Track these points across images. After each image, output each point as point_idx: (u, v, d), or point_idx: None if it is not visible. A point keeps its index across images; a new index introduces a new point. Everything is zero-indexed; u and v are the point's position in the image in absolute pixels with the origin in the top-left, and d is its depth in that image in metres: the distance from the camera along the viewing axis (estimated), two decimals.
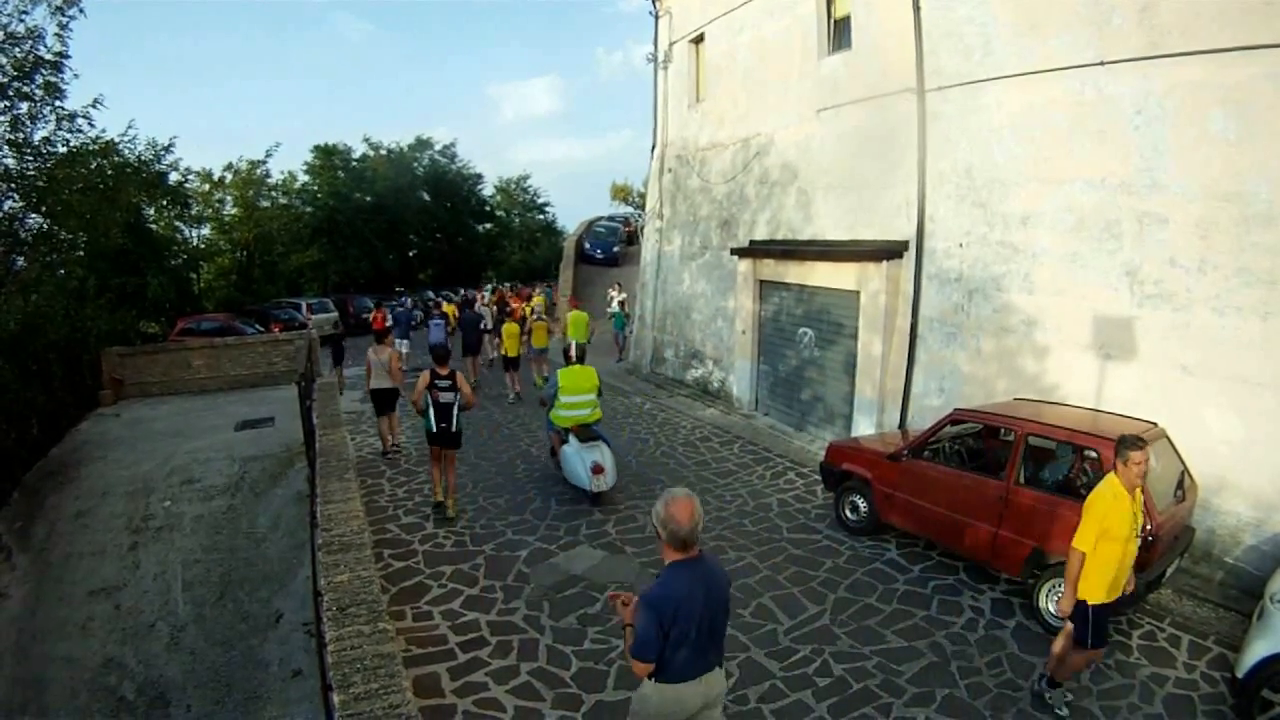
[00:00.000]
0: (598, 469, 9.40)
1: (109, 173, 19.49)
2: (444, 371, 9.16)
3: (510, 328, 16.82)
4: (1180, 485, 6.83)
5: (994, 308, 9.81)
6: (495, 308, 24.49)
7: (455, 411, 9.16)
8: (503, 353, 17.01)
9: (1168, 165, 7.82)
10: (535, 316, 18.49)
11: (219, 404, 16.30)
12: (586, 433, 9.95)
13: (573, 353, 10.37)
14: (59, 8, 16.42)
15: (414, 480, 10.64)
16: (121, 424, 14.75)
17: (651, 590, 3.72)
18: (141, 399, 16.78)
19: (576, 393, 9.93)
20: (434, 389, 9.06)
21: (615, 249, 38.03)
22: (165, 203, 25.32)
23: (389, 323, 19.39)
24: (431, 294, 38.46)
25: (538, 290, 28.61)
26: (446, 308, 24.06)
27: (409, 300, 29.88)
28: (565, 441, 9.98)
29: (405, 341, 20.49)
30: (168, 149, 23.72)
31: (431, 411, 9.06)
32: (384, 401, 11.98)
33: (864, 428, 11.52)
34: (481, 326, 18.70)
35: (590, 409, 10.06)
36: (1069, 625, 5.35)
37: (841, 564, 8.03)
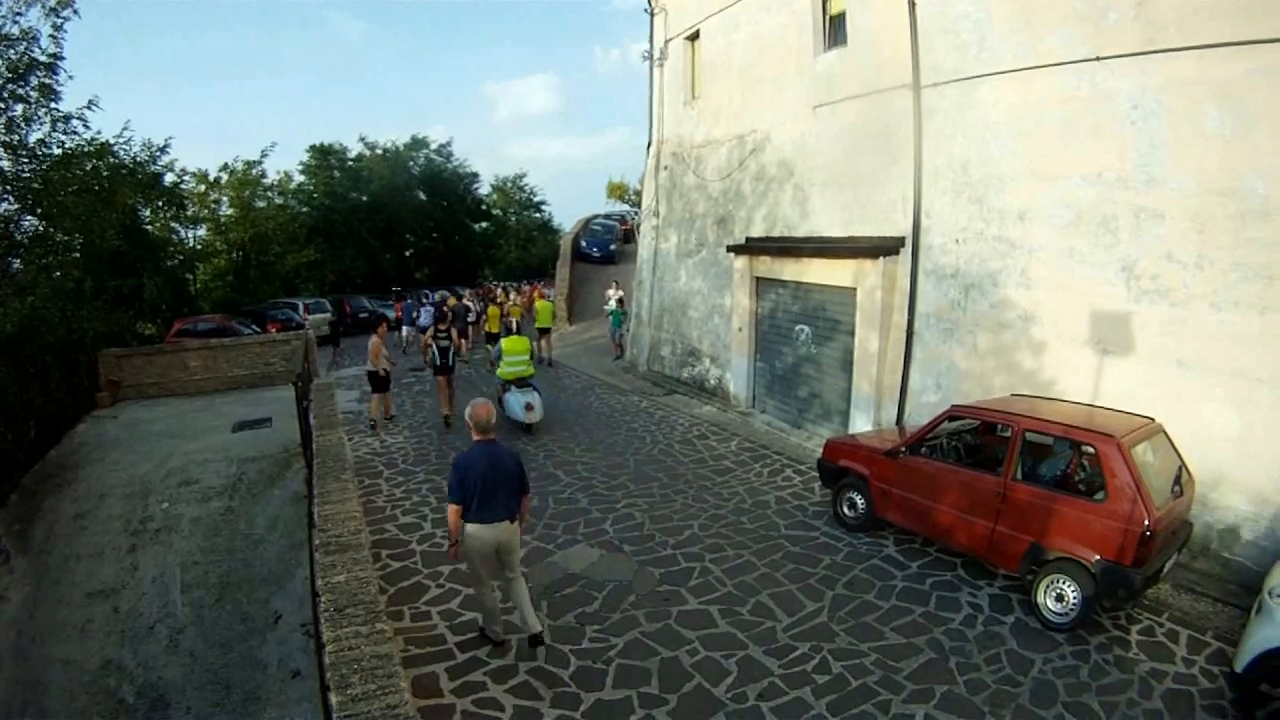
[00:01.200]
0: (529, 407, 12.92)
1: (104, 174, 19.42)
2: (443, 328, 14.47)
3: (493, 310, 21.57)
4: (1178, 480, 6.84)
5: (991, 303, 9.81)
6: (480, 301, 28.51)
7: (450, 352, 14.21)
8: (486, 330, 21.40)
9: (1164, 160, 7.83)
10: (512, 302, 23.64)
11: (216, 405, 16.27)
12: (523, 382, 13.36)
13: (512, 325, 15.69)
14: (53, 9, 16.35)
15: (411, 480, 10.62)
16: (119, 426, 14.72)
17: (458, 456, 6.10)
18: (139, 400, 16.74)
19: (515, 354, 13.51)
20: (436, 339, 14.18)
21: (612, 247, 38.04)
22: (161, 204, 25.24)
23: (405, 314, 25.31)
24: (428, 291, 38.66)
25: (523, 292, 32.41)
26: (451, 301, 25.56)
27: (435, 295, 31.14)
28: (508, 390, 13.33)
29: (410, 329, 24.22)
30: (163, 150, 23.69)
31: (435, 353, 14.02)
32: (372, 382, 13.86)
33: (861, 424, 11.53)
34: (468, 317, 22.74)
35: (525, 365, 13.56)
36: None
37: (839, 561, 8.03)
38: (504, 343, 13.71)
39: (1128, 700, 5.59)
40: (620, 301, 22.56)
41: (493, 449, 6.07)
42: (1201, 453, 7.47)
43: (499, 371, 13.59)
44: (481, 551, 6.01)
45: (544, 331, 21.09)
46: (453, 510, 5.97)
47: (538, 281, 39.28)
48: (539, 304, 22.41)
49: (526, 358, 13.60)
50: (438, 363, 13.94)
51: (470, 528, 5.96)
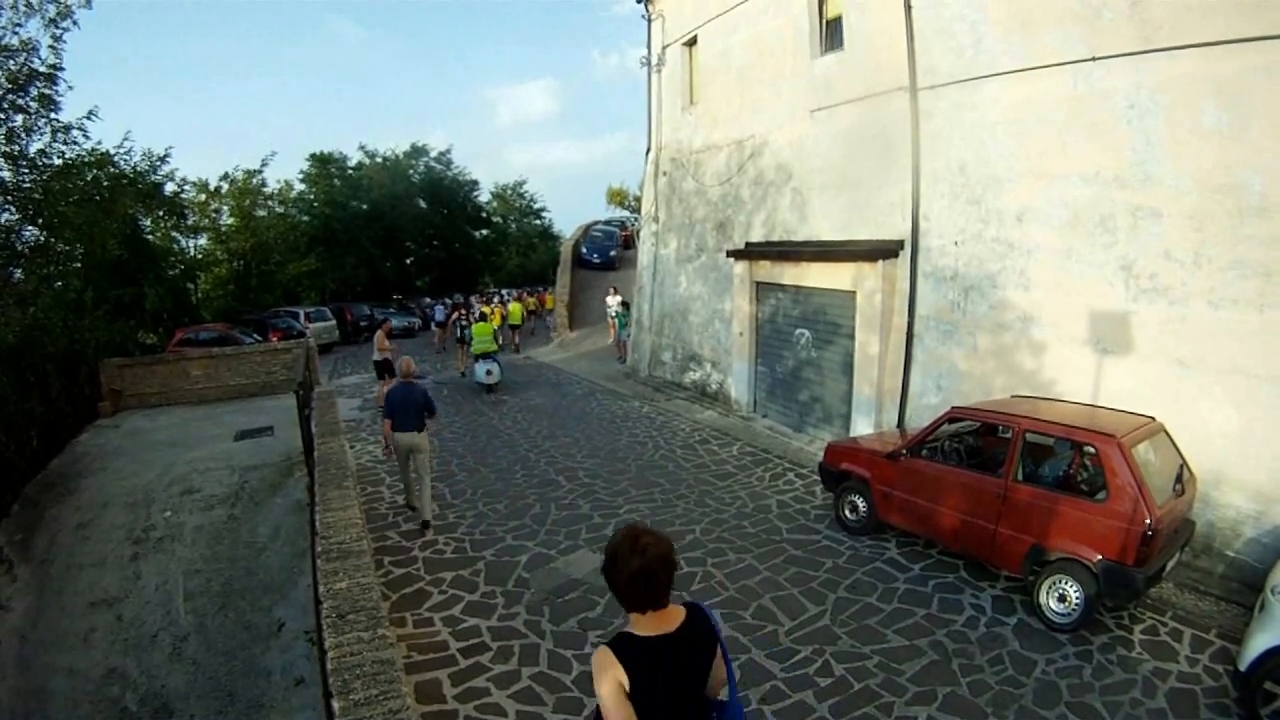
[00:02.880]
0: (489, 372, 17.80)
1: (105, 184, 19.44)
2: (462, 313, 22.37)
3: (485, 309, 25.31)
4: (1179, 479, 6.83)
5: (990, 305, 9.82)
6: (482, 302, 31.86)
7: (467, 331, 19.99)
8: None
9: (1161, 159, 7.84)
10: (493, 305, 28.36)
11: (218, 414, 16.28)
12: (486, 356, 18.03)
13: (474, 316, 21.15)
14: (53, 20, 16.41)
15: None
16: (121, 435, 14.73)
17: (387, 389, 10.22)
18: (140, 410, 16.76)
19: (480, 336, 18.32)
20: (459, 322, 21.61)
21: (612, 253, 38.10)
22: (162, 213, 25.24)
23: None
24: (427, 298, 39.08)
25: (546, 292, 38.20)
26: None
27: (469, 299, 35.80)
28: (476, 360, 18.21)
29: (436, 325, 29.46)
30: (163, 159, 23.61)
31: (458, 330, 21.26)
32: (379, 369, 16.85)
33: (862, 427, 11.53)
34: (472, 314, 25.46)
35: (488, 343, 18.22)
36: None
37: (841, 564, 8.03)
38: (473, 328, 18.90)
39: (1131, 700, 5.58)
40: (625, 305, 22.73)
41: (409, 387, 9.38)
42: (1202, 451, 7.47)
43: (472, 348, 18.78)
44: (400, 449, 9.32)
45: (514, 327, 27.09)
46: (385, 423, 9.29)
47: (536, 289, 40.62)
48: (512, 306, 28.20)
49: (489, 338, 18.42)
50: (459, 335, 21.12)
51: (395, 435, 9.21)
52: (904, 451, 8.19)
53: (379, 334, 16.97)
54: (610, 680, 2.76)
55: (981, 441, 8.50)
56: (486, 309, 25.56)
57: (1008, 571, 7.32)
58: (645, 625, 2.92)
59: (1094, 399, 8.44)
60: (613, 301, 23.69)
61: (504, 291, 42.08)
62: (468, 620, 6.91)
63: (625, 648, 2.85)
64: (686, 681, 3.00)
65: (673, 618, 2.97)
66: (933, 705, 5.56)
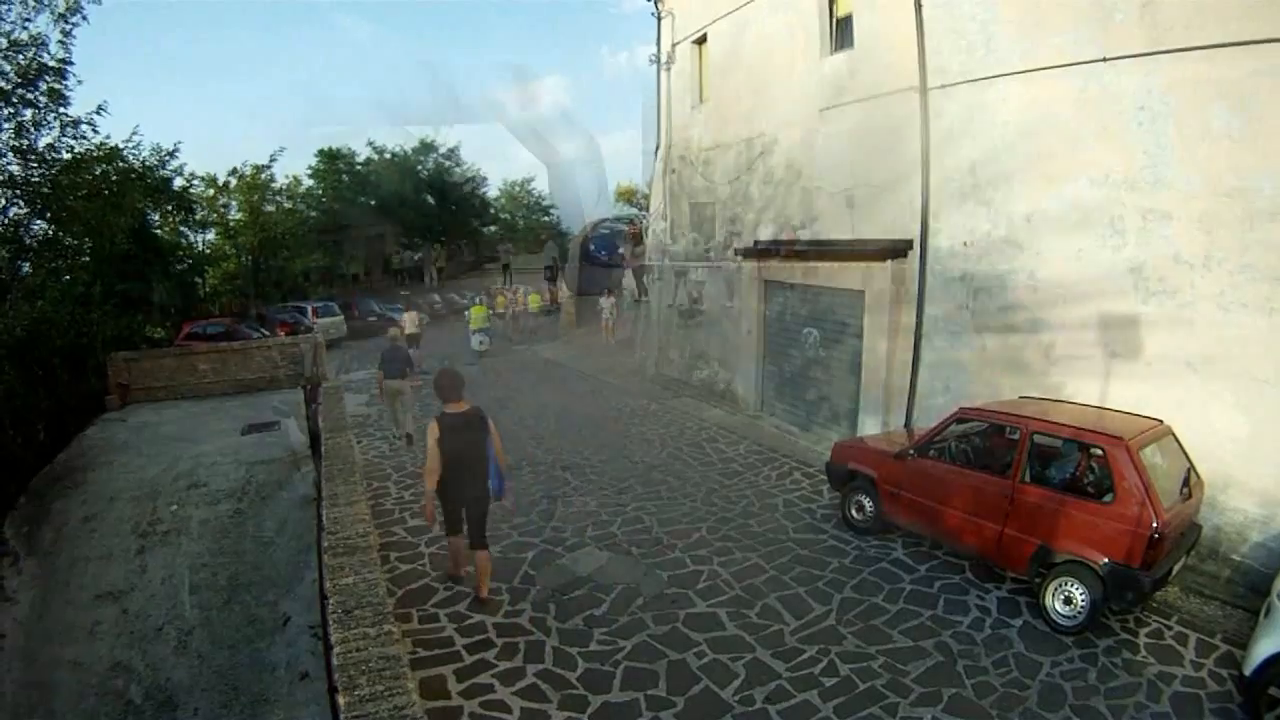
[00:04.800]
0: (481, 342, 23.00)
1: (113, 178, 19.44)
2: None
3: (500, 297, 30.94)
4: (1186, 483, 6.82)
5: (999, 306, 9.79)
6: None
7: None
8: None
9: (1171, 161, 7.80)
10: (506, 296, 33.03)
11: (225, 408, 16.25)
12: (481, 330, 23.07)
13: (479, 298, 28.17)
14: (62, 15, 16.44)
15: (420, 484, 10.61)
16: (128, 429, 14.74)
17: (382, 349, 13.53)
18: (148, 403, 16.72)
19: (477, 314, 23.58)
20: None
21: (620, 250, 38.10)
22: (170, 208, 25.26)
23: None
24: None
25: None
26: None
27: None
28: (473, 333, 23.09)
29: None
30: (172, 154, 23.60)
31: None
32: (410, 342, 18.53)
33: (870, 427, 11.50)
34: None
35: (482, 320, 23.49)
36: None
37: (847, 564, 8.02)
38: (471, 310, 24.31)
39: (1135, 704, 5.57)
40: (613, 306, 25.22)
41: (395, 347, 13.06)
42: (1210, 455, 7.44)
43: (470, 324, 23.59)
44: (388, 391, 12.81)
45: (533, 315, 31.81)
46: (379, 374, 12.89)
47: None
48: (531, 296, 32.84)
49: (483, 316, 23.74)
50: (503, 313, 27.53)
51: (386, 381, 12.67)
52: (911, 451, 8.18)
53: (413, 314, 21.72)
54: (432, 434, 6.66)
55: (989, 442, 8.47)
56: (500, 298, 31.03)
57: (1014, 573, 7.32)
58: (451, 409, 6.83)
59: (1102, 401, 8.41)
60: (605, 304, 25.11)
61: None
62: (473, 616, 6.93)
63: (441, 417, 6.73)
64: (474, 445, 6.82)
65: (464, 406, 6.87)
66: (937, 706, 5.56)
